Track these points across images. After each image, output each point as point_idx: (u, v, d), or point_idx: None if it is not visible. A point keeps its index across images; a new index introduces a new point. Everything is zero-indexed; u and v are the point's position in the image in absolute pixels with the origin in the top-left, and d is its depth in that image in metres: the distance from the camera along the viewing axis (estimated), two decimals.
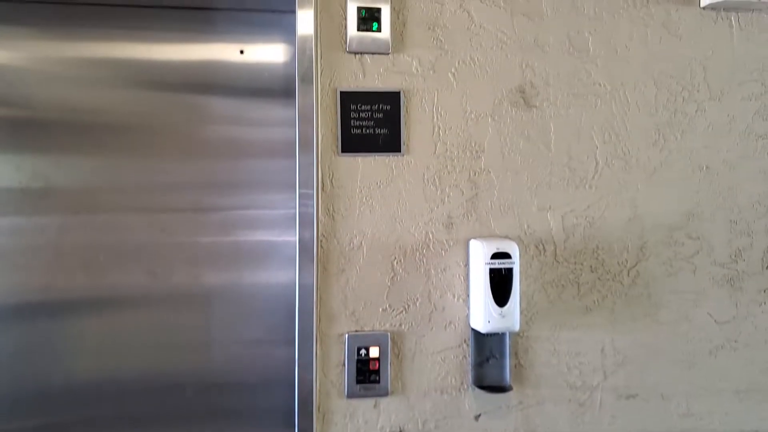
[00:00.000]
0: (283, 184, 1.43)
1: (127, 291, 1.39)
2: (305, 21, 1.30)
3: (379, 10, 1.31)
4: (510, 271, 1.31)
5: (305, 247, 1.31)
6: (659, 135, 1.41)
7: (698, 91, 1.42)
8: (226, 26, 1.44)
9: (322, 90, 1.31)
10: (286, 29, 1.43)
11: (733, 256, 1.45)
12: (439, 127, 1.35)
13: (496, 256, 1.30)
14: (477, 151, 1.36)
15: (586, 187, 1.40)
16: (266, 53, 1.45)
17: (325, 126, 1.31)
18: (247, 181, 1.44)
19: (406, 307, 1.35)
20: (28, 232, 1.37)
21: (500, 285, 1.30)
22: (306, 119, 1.30)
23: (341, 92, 1.32)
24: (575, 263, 1.40)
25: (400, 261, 1.35)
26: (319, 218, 1.31)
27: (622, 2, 1.40)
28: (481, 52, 1.36)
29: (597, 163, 1.40)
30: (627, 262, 1.42)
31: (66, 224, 1.37)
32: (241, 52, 1.45)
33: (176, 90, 1.43)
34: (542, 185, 1.39)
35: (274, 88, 1.45)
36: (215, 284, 1.42)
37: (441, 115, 1.35)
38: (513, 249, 1.31)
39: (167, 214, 1.41)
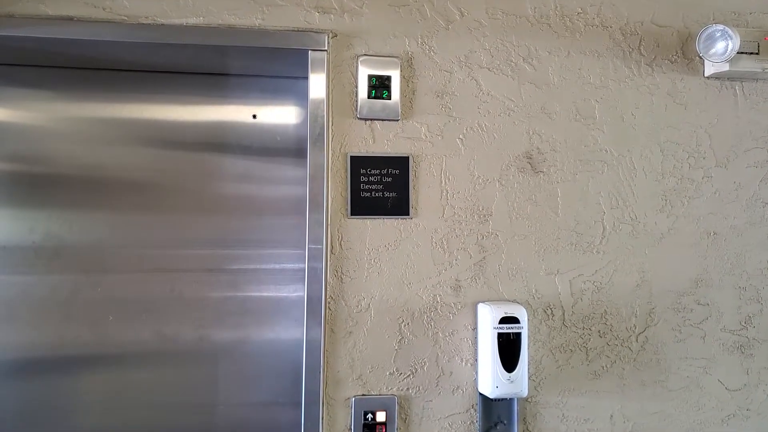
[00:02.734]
0: (293, 242, 1.45)
1: (135, 350, 1.40)
2: (317, 88, 1.33)
3: (389, 78, 1.35)
4: (518, 335, 1.30)
5: (313, 309, 1.31)
6: (666, 201, 1.42)
7: (704, 158, 1.44)
8: (240, 91, 1.49)
9: (332, 155, 1.34)
10: (298, 94, 1.47)
11: (742, 323, 1.44)
12: (447, 191, 1.37)
13: (505, 320, 1.30)
14: (485, 215, 1.38)
15: (594, 251, 1.41)
16: (278, 116, 1.50)
17: (335, 189, 1.34)
18: (258, 239, 1.46)
19: (414, 370, 1.34)
20: (39, 291, 1.38)
21: (508, 350, 1.30)
22: (316, 183, 1.32)
23: (351, 157, 1.35)
24: (583, 328, 1.39)
25: (408, 324, 1.35)
26: (328, 280, 1.32)
27: (628, 71, 1.43)
28: (488, 119, 1.39)
29: (604, 228, 1.41)
30: (635, 327, 1.41)
31: (77, 283, 1.39)
32: (254, 116, 1.49)
33: (191, 150, 1.46)
34: (550, 249, 1.39)
35: (286, 148, 1.49)
36: (222, 343, 1.43)
37: (449, 180, 1.37)
38: (521, 313, 1.31)
39: (177, 273, 1.43)
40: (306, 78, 1.35)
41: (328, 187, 1.33)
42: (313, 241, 1.32)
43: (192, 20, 1.31)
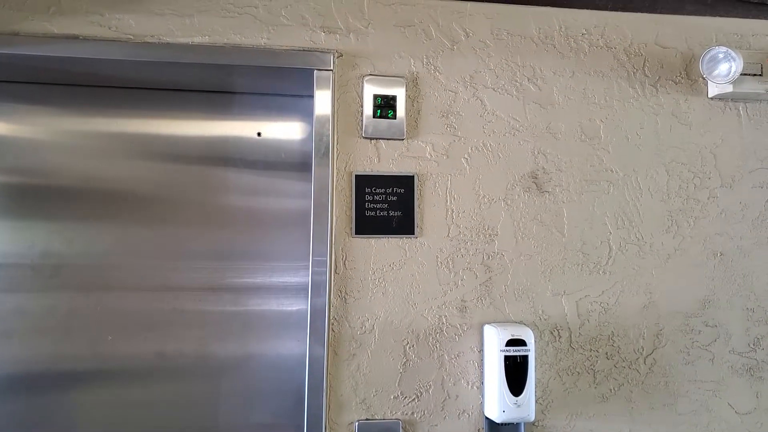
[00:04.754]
0: (297, 255, 1.44)
1: (134, 369, 1.37)
2: (323, 107, 1.33)
3: (394, 97, 1.35)
4: (525, 358, 1.28)
5: (316, 332, 1.29)
6: (672, 221, 1.42)
7: (709, 178, 1.44)
8: (244, 109, 1.49)
9: (337, 173, 1.33)
10: (303, 111, 1.47)
11: (751, 345, 1.42)
12: (453, 211, 1.36)
13: (511, 343, 1.28)
14: (490, 235, 1.36)
15: (600, 272, 1.39)
16: (283, 133, 1.49)
17: (340, 208, 1.32)
18: (263, 251, 1.45)
19: (419, 394, 1.31)
20: (38, 309, 1.36)
21: (515, 373, 1.28)
22: (320, 202, 1.31)
23: (356, 176, 1.34)
24: (591, 350, 1.37)
25: (413, 346, 1.32)
26: (331, 301, 1.30)
27: (632, 92, 1.43)
28: (494, 139, 1.38)
29: (611, 249, 1.40)
30: (643, 349, 1.39)
31: (75, 301, 1.37)
32: (259, 134, 1.48)
33: (194, 164, 1.46)
34: (556, 270, 1.38)
35: (290, 164, 1.48)
36: (224, 360, 1.40)
37: (454, 199, 1.36)
38: (528, 335, 1.29)
39: (178, 291, 1.41)
40: (311, 96, 1.35)
41: (332, 205, 1.32)
42: (316, 262, 1.30)
43: (197, 39, 1.32)
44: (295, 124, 1.50)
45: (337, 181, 1.33)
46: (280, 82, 1.42)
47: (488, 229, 1.36)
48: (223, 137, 1.47)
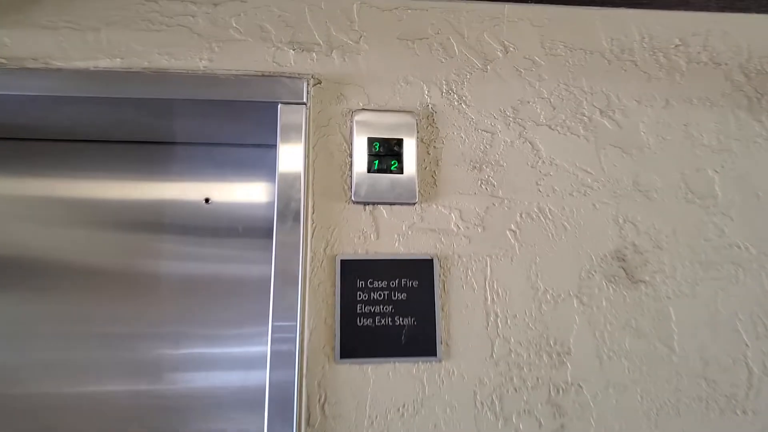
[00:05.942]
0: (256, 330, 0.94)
1: None
2: (290, 158, 0.87)
3: (400, 142, 0.89)
4: None
5: None
6: None
7: None
8: (187, 166, 1.04)
9: (313, 259, 0.85)
10: (270, 167, 1.02)
11: None
12: (497, 315, 0.86)
13: None
14: (559, 354, 0.85)
15: (737, 411, 0.86)
16: (243, 197, 1.03)
17: (317, 317, 0.83)
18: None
19: None
20: None
21: None
22: (283, 305, 0.82)
23: (342, 261, 0.85)
24: None
25: None
26: None
27: (758, 127, 0.96)
28: (554, 200, 0.90)
29: (750, 373, 0.87)
30: None
31: None
32: (207, 201, 1.03)
33: (130, 230, 1.00)
34: (666, 408, 0.85)
35: (252, 231, 1.01)
36: None
37: (498, 296, 0.86)
38: None
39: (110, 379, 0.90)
40: (275, 146, 0.89)
41: (305, 314, 0.83)
42: (277, 403, 0.79)
43: (104, 63, 0.88)
44: (258, 185, 1.04)
45: (311, 270, 0.84)
46: (232, 125, 0.97)
47: (555, 343, 0.85)
48: (156, 204, 1.01)
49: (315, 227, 0.86)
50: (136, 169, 1.03)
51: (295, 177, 0.86)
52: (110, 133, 1.00)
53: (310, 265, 0.84)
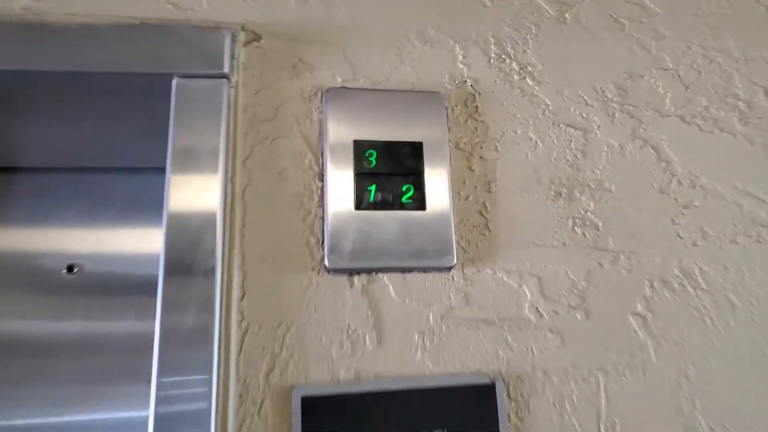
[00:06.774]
0: None
1: None
2: (194, 191, 0.42)
3: (416, 148, 0.45)
4: None
5: None
6: None
7: None
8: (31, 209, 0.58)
9: (240, 400, 0.39)
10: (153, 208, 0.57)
11: None
12: None
13: None
14: None
15: None
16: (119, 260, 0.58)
17: None
18: None
19: None
20: None
21: None
22: None
23: (305, 399, 0.40)
24: None
25: None
26: None
27: None
28: (707, 253, 0.48)
29: None
30: None
31: None
32: (70, 268, 0.57)
33: None
34: None
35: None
36: None
37: None
38: None
39: None
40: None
41: None
42: None
43: None
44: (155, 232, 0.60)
45: (237, 424, 0.38)
46: (91, 126, 0.52)
47: None
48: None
49: (246, 328, 0.40)
50: None
51: (203, 225, 0.41)
52: None
53: (235, 414, 0.39)
